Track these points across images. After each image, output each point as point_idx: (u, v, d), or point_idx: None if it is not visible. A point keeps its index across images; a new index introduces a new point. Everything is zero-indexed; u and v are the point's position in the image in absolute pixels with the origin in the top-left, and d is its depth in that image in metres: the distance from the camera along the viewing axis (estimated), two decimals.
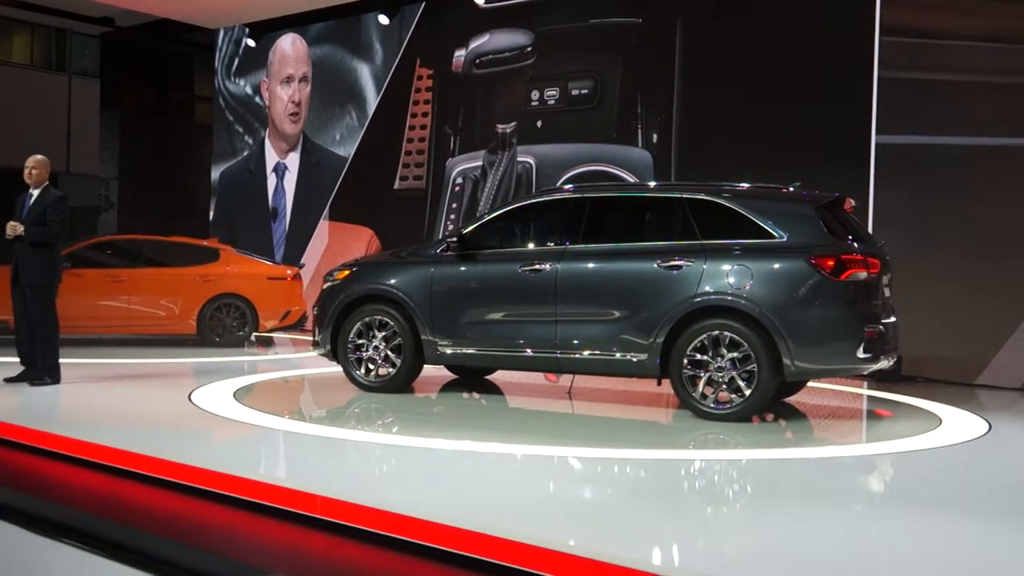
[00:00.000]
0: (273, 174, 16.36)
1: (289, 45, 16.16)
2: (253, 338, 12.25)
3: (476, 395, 8.23)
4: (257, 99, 16.67)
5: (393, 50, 14.65)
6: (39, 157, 7.95)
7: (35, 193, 7.86)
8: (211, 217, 17.37)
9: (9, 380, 7.83)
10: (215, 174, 17.35)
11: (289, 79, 16.11)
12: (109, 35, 19.64)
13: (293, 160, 16.05)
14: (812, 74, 10.60)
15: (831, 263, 6.55)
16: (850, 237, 6.86)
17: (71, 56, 23.70)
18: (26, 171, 7.86)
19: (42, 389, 7.64)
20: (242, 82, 16.96)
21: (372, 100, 14.90)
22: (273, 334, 13.13)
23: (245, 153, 16.88)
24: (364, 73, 15.04)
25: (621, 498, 4.83)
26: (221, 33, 17.26)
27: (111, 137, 19.98)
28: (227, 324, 11.90)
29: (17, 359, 7.97)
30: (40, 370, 7.80)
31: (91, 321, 11.39)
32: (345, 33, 15.38)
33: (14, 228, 7.67)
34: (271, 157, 16.41)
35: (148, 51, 19.51)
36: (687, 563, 3.70)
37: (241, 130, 16.96)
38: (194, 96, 20.59)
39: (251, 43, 16.62)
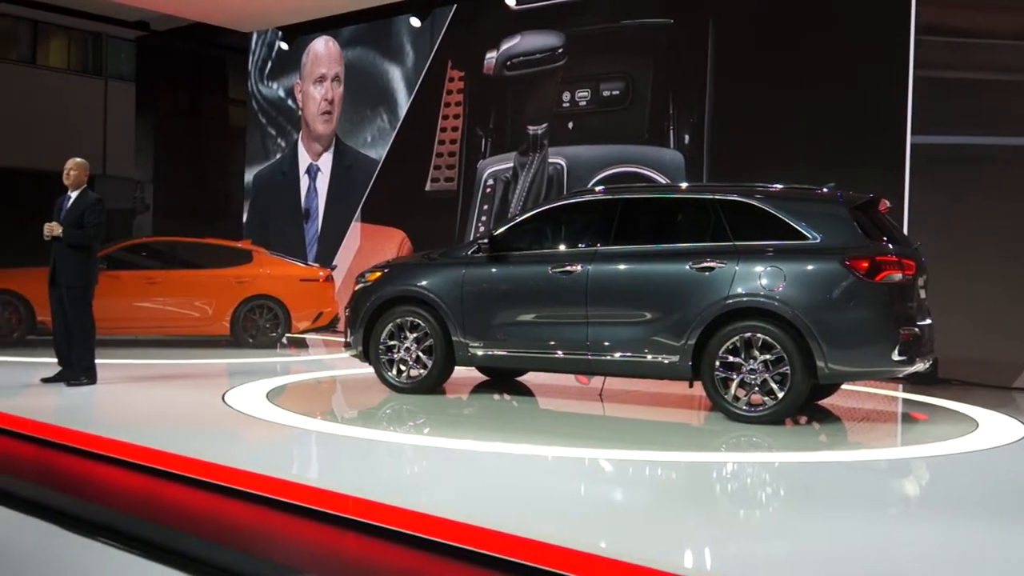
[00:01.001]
0: (306, 176, 16.46)
1: (322, 46, 16.26)
2: (285, 339, 12.34)
3: (507, 396, 8.23)
4: (290, 102, 16.79)
5: (424, 52, 14.69)
6: (78, 160, 8.05)
7: (73, 195, 7.96)
8: (244, 219, 17.52)
9: (46, 380, 7.94)
10: (248, 176, 17.50)
11: (322, 79, 16.21)
12: (144, 39, 19.87)
13: (325, 162, 16.14)
14: (846, 74, 10.49)
15: (866, 265, 6.47)
16: (885, 238, 6.78)
17: (107, 60, 23.97)
18: (64, 173, 7.98)
19: (78, 389, 7.74)
20: (275, 85, 17.09)
21: (404, 102, 14.95)
22: (305, 335, 13.21)
23: (278, 155, 17.01)
24: (395, 75, 15.10)
25: (652, 500, 4.81)
26: (254, 36, 17.40)
27: (146, 140, 20.20)
28: (260, 325, 12.00)
29: (55, 359, 8.08)
30: (77, 371, 7.90)
31: (126, 322, 11.53)
32: (376, 36, 15.45)
33: (51, 229, 7.77)
34: (304, 159, 16.52)
35: (183, 55, 19.71)
36: (719, 566, 3.68)
37: (274, 133, 17.09)
38: (228, 99, 20.76)
39: (284, 46, 16.75)
